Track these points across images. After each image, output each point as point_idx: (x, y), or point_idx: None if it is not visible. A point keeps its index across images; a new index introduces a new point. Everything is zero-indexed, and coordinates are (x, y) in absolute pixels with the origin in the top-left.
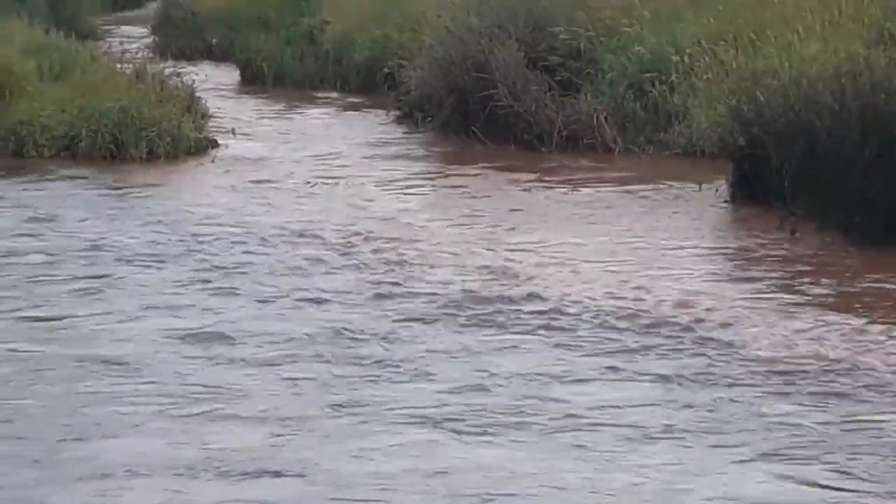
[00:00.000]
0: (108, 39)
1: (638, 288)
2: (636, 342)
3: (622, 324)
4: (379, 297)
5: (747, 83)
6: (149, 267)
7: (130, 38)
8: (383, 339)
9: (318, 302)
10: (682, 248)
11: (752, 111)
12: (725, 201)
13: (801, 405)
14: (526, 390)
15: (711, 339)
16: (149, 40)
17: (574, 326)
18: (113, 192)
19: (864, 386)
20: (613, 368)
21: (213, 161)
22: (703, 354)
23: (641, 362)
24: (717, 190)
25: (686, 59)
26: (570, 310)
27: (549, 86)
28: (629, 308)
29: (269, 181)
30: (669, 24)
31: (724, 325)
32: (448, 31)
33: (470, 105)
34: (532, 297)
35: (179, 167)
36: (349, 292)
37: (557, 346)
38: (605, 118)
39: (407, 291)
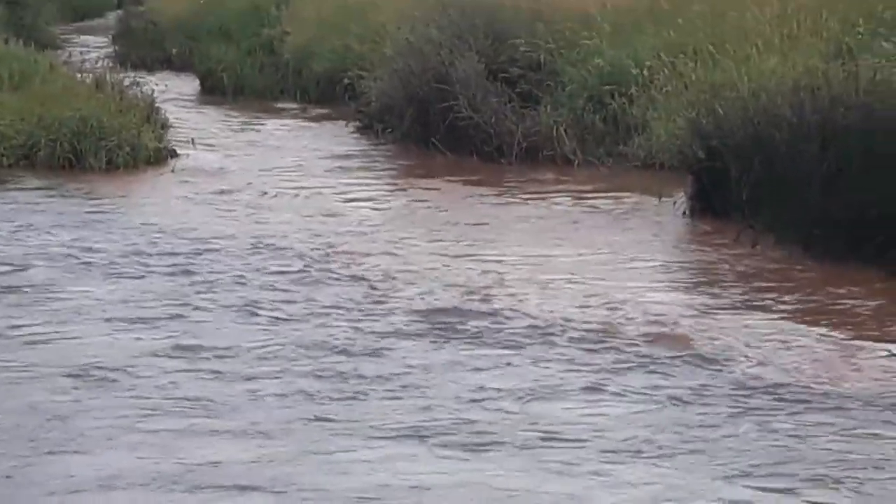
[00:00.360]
0: (68, 49)
1: (608, 303)
2: (614, 358)
3: (598, 340)
4: (353, 311)
5: (706, 96)
6: (116, 278)
7: (90, 48)
8: (361, 353)
9: (293, 316)
10: (645, 262)
11: (711, 124)
12: (684, 213)
13: (783, 421)
14: (507, 406)
15: (686, 355)
16: (109, 50)
17: (550, 342)
18: (73, 202)
19: (844, 398)
20: (594, 385)
21: (172, 171)
22: (680, 371)
23: (621, 379)
24: (675, 203)
25: (645, 71)
26: (544, 326)
27: (509, 97)
28: (603, 324)
29: (229, 192)
30: (629, 36)
31: (698, 342)
32: (408, 43)
33: (430, 116)
34: (507, 312)
35: (139, 177)
36: (324, 306)
37: (536, 362)
38: (565, 130)
39: (381, 306)
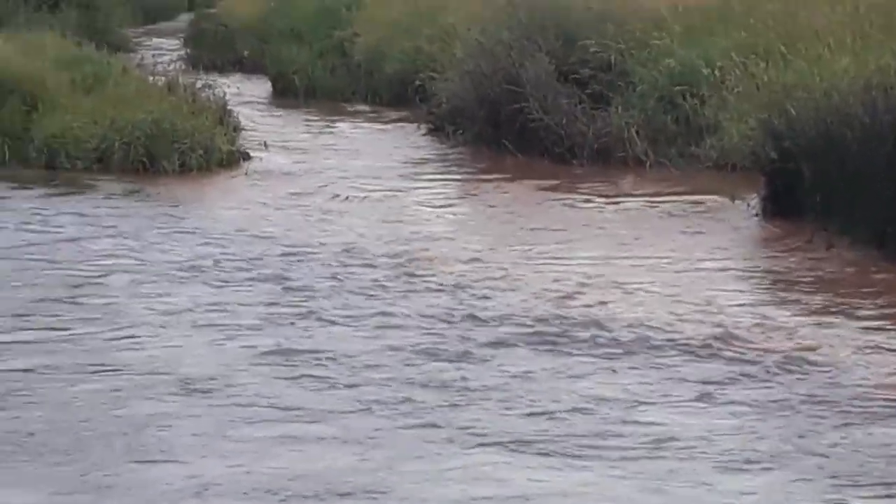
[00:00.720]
0: (140, 51)
1: (699, 310)
2: (715, 366)
3: (697, 347)
4: (449, 318)
5: (778, 96)
6: (202, 283)
7: (162, 50)
8: (461, 361)
9: (388, 324)
10: (725, 266)
11: (784, 124)
12: (757, 215)
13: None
14: (611, 415)
15: (785, 362)
16: (181, 52)
17: (651, 349)
18: (149, 205)
19: None
20: (697, 393)
21: (245, 174)
22: (781, 378)
23: (723, 387)
24: (748, 204)
25: (717, 72)
26: (641, 333)
27: (579, 98)
28: (698, 331)
29: (303, 195)
30: (700, 37)
31: (794, 348)
32: (479, 44)
33: (501, 118)
34: (601, 319)
35: (213, 180)
36: (418, 314)
37: (638, 369)
38: (637, 131)
39: (476, 313)
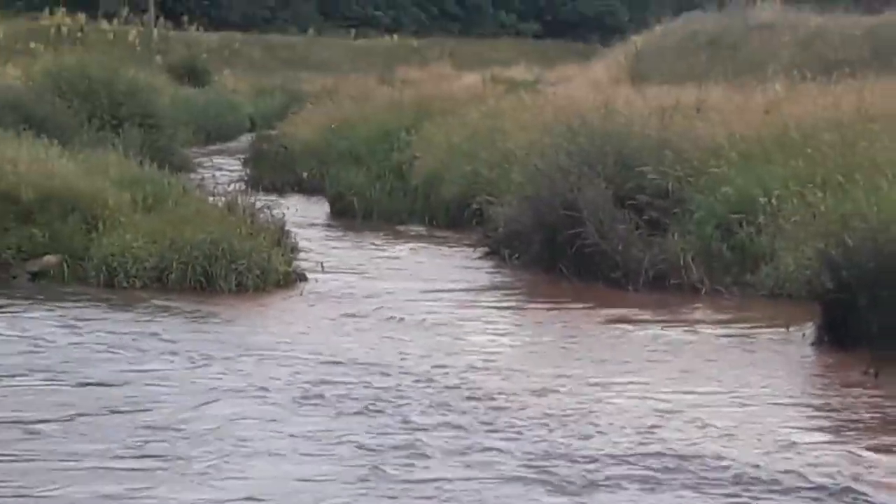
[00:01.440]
0: (201, 171)
1: (773, 442)
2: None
3: (781, 485)
4: (531, 456)
5: (836, 226)
6: (267, 405)
7: (223, 170)
8: (567, 495)
9: (462, 463)
10: (789, 400)
11: (841, 255)
12: (813, 344)
13: None
14: None
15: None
16: (241, 172)
17: (739, 487)
18: (208, 326)
19: None
20: None
21: (301, 294)
22: None
23: None
24: (804, 334)
25: (774, 200)
26: (726, 469)
27: (636, 224)
28: (773, 466)
29: (359, 316)
30: (757, 165)
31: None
32: (537, 169)
33: (558, 242)
34: (686, 455)
35: (269, 300)
36: (494, 450)
37: None
38: (692, 258)
39: (556, 450)
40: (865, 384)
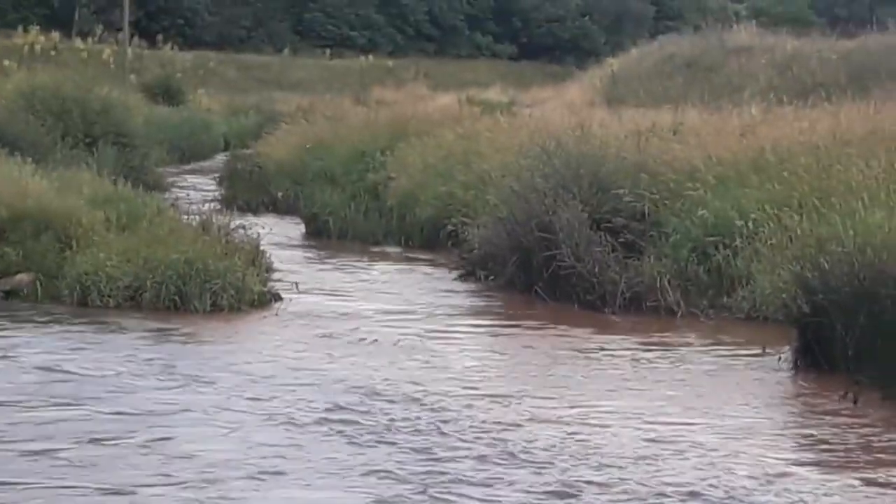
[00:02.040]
0: (175, 190)
1: (749, 469)
2: None
3: None
4: (493, 481)
5: (812, 250)
6: (242, 429)
7: (197, 190)
8: None
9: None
10: (767, 422)
11: (817, 278)
12: (789, 368)
13: None
14: None
15: None
16: (215, 192)
17: None
18: (181, 346)
19: None
20: None
21: (276, 314)
22: None
23: None
24: (780, 357)
25: (750, 223)
26: (698, 493)
27: (612, 247)
28: (754, 498)
29: (334, 336)
30: (733, 188)
31: None
32: (512, 191)
33: (533, 264)
34: (666, 486)
35: (243, 320)
36: (461, 481)
37: None
38: (669, 281)
39: (540, 479)
40: (841, 411)
